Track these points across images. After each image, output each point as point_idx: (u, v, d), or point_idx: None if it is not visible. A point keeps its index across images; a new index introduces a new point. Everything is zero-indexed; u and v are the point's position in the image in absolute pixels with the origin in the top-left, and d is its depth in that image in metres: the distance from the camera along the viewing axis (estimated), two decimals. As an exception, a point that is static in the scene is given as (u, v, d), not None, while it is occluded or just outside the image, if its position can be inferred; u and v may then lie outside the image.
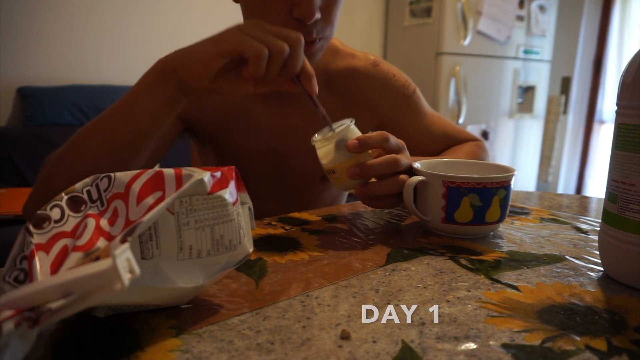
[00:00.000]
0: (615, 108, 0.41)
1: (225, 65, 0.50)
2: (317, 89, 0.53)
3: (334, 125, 0.55)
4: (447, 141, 0.84)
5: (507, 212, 0.54)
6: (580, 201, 0.75)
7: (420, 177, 0.53)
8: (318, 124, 0.57)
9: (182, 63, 0.51)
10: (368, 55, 0.80)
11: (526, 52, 2.93)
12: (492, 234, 0.55)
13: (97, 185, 0.35)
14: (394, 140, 0.56)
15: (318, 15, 0.60)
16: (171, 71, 0.52)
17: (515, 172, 0.54)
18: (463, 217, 0.52)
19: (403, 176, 0.55)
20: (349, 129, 0.54)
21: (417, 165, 0.57)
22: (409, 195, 0.53)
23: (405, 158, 0.56)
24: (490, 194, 0.51)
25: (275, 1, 0.59)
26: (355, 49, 0.82)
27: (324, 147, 0.55)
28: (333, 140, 0.54)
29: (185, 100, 0.54)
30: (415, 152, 0.81)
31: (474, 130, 2.77)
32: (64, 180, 0.51)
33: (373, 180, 0.57)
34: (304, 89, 0.53)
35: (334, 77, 0.76)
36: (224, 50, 0.48)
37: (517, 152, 3.10)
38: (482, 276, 0.43)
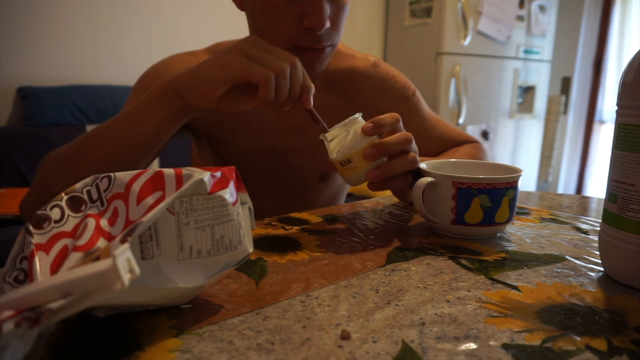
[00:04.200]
0: (616, 108, 0.41)
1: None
2: (312, 102, 0.54)
3: (341, 125, 0.55)
4: (445, 143, 0.84)
5: (515, 212, 0.54)
6: (581, 201, 0.75)
7: (430, 179, 0.52)
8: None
9: (187, 87, 0.52)
10: (368, 57, 0.80)
11: (526, 52, 2.93)
12: (492, 234, 0.55)
13: (97, 185, 0.35)
14: (401, 121, 0.57)
15: (328, 24, 0.60)
16: (175, 93, 0.53)
17: (523, 172, 0.54)
18: (473, 218, 0.51)
19: (412, 154, 0.55)
20: (358, 120, 0.54)
21: (423, 165, 0.57)
22: (418, 197, 0.52)
23: (414, 142, 0.56)
24: (500, 194, 0.51)
25: (285, 11, 0.60)
26: (356, 49, 0.82)
27: (336, 137, 0.54)
28: (346, 128, 0.53)
29: (188, 117, 0.56)
30: None
31: (474, 130, 2.77)
32: (64, 186, 0.52)
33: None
34: (304, 107, 0.55)
35: (334, 77, 0.76)
36: (232, 78, 0.50)
37: (517, 152, 3.10)
38: (482, 276, 0.43)
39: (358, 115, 0.55)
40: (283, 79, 0.50)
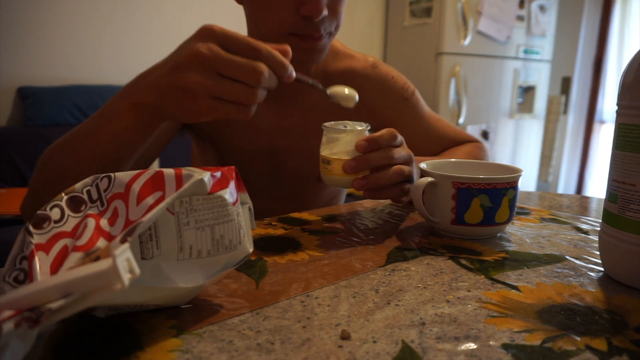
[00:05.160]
0: (616, 108, 0.41)
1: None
2: (293, 74, 0.48)
3: (350, 124, 0.55)
4: (445, 143, 0.84)
5: (515, 212, 0.54)
6: (581, 201, 0.75)
7: (429, 179, 0.52)
8: (316, 123, 0.57)
9: (172, 114, 0.48)
10: (367, 57, 0.80)
11: (526, 52, 2.93)
12: (492, 234, 0.55)
13: (97, 185, 0.35)
14: (400, 137, 0.56)
15: (325, 12, 0.60)
16: (158, 119, 0.50)
17: (523, 172, 0.54)
18: (473, 218, 0.51)
19: (398, 166, 0.54)
20: (360, 130, 0.54)
21: (423, 165, 0.57)
22: (418, 197, 0.52)
23: (404, 151, 0.56)
24: (500, 194, 0.51)
25: (282, 0, 0.59)
26: (355, 49, 0.82)
27: (331, 135, 0.54)
28: (347, 133, 0.53)
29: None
30: (414, 153, 0.81)
31: (473, 130, 2.77)
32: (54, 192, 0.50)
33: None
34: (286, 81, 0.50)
35: (333, 78, 0.76)
36: (208, 118, 0.46)
37: (517, 152, 3.10)
38: (482, 276, 0.43)
39: (365, 127, 0.55)
40: (258, 99, 0.46)
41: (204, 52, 0.44)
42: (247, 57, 0.44)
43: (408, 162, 0.57)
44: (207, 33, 0.45)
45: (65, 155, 0.54)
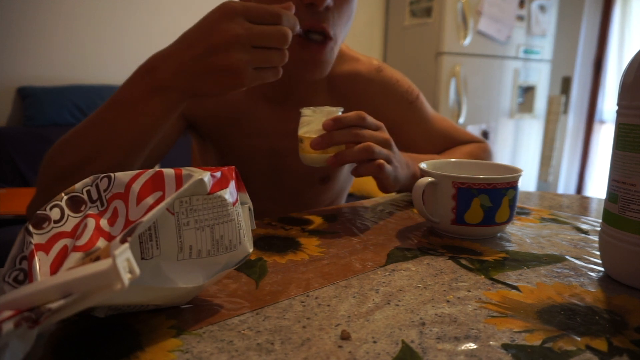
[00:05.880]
0: (616, 108, 0.41)
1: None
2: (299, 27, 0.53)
3: (321, 108, 0.58)
4: (449, 144, 0.84)
5: (515, 212, 0.54)
6: (581, 201, 0.75)
7: (429, 179, 0.52)
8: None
9: (206, 92, 0.51)
10: (372, 60, 0.80)
11: (526, 52, 2.93)
12: (492, 234, 0.55)
13: (97, 185, 0.35)
14: (370, 119, 0.58)
15: (330, 2, 0.60)
16: (186, 99, 0.51)
17: (523, 172, 0.54)
18: (473, 218, 0.51)
19: (366, 142, 0.56)
20: (331, 111, 0.58)
21: (423, 165, 0.57)
22: (418, 196, 0.53)
23: (378, 134, 0.58)
24: (500, 194, 0.51)
25: None
26: (355, 49, 0.82)
27: (307, 117, 0.58)
28: (316, 113, 0.58)
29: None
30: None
31: (474, 130, 2.77)
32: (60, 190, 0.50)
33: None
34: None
35: (338, 80, 0.76)
36: (245, 87, 0.49)
37: (518, 152, 3.10)
38: (483, 276, 0.43)
39: (336, 109, 0.58)
40: (287, 58, 0.51)
41: (241, 32, 0.47)
42: (269, 23, 0.48)
43: (383, 144, 0.58)
44: (231, 12, 0.48)
45: (79, 149, 0.54)
